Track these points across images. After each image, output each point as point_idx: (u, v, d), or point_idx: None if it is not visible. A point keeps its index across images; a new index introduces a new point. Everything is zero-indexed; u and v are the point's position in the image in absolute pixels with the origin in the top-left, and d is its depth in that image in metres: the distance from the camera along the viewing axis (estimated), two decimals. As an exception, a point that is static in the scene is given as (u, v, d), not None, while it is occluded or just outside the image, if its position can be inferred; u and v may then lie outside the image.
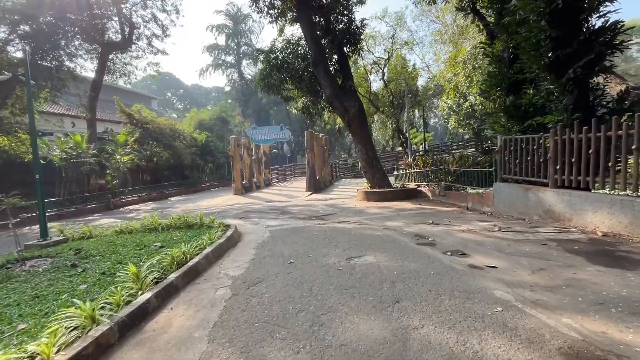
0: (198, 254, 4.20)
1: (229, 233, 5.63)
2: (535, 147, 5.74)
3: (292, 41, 11.76)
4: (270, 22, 11.53)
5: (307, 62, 11.50)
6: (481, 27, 11.50)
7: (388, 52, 21.09)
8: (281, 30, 12.03)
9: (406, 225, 5.84)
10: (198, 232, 5.85)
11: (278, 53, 11.65)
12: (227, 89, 37.80)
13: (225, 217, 8.74)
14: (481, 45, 8.94)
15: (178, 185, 21.55)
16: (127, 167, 17.70)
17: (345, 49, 11.87)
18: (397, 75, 21.26)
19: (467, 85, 17.65)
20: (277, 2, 11.45)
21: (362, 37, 12.16)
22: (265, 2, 11.31)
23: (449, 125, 30.39)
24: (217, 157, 26.18)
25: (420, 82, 25.55)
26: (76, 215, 12.66)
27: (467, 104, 26.09)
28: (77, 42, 19.50)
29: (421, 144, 25.43)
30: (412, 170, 11.44)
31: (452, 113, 29.59)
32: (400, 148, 25.55)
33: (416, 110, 36.11)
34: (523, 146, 5.96)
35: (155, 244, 4.96)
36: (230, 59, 37.12)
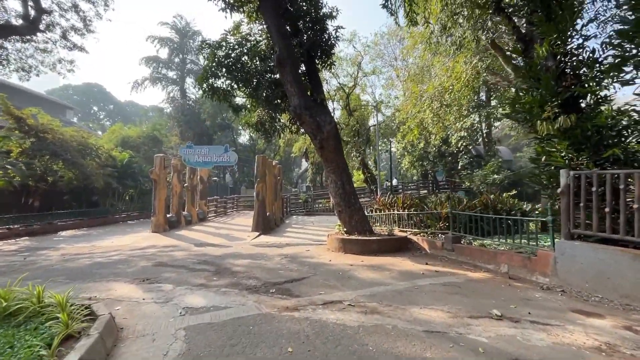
0: None
1: (82, 344, 2.32)
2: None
3: (250, 37, 9.13)
4: (223, 10, 8.84)
5: (268, 65, 8.90)
6: (481, 40, 10.37)
7: (354, 79, 19.77)
8: (237, 27, 9.38)
9: (459, 321, 3.12)
10: (13, 336, 2.42)
11: (230, 50, 8.87)
12: (168, 109, 33.33)
13: (115, 278, 5.13)
14: (511, 53, 7.33)
15: (77, 214, 16.35)
16: (-7, 186, 12.51)
17: (315, 60, 9.62)
18: (360, 105, 19.94)
19: (434, 122, 16.70)
20: (234, -13, 8.91)
21: (334, 48, 10.06)
22: (218, -15, 8.67)
23: (402, 165, 30.01)
24: (141, 182, 21.34)
25: (380, 117, 24.72)
26: None
27: (422, 144, 25.90)
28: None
29: (386, 180, 24.00)
30: (392, 212, 9.06)
31: (405, 153, 29.35)
32: (365, 184, 23.77)
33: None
34: (607, 188, 3.86)
35: None
36: (172, 74, 33.16)
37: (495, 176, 14.89)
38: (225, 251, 8.03)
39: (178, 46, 32.87)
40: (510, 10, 6.29)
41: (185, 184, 14.66)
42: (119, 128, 24.52)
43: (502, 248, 5.58)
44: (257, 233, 11.21)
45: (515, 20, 6.36)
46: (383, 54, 27.23)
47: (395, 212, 8.76)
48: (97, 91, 54.76)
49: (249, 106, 9.31)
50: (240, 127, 35.76)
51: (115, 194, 20.35)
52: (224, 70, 8.82)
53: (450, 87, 15.23)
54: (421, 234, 7.73)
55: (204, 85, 8.69)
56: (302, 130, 10.50)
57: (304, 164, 51.04)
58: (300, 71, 9.07)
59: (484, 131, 24.47)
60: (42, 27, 16.73)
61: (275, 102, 9.04)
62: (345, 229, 7.62)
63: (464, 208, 7.76)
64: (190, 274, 5.49)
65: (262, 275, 5.19)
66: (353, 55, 20.97)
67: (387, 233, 7.50)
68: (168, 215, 12.57)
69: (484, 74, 14.32)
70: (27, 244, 10.88)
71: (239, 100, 9.73)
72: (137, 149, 23.34)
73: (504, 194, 12.84)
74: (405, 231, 8.37)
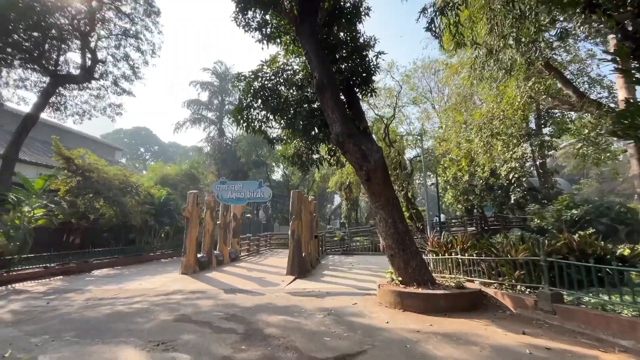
0: None
1: None
2: None
3: (287, 67, 8.70)
4: (260, 41, 8.57)
5: (305, 94, 8.31)
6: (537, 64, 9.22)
7: (393, 109, 19.00)
8: (274, 59, 9.04)
9: None
10: None
11: (266, 81, 8.44)
12: (207, 149, 34.65)
13: (127, 339, 4.16)
14: (613, 56, 6.14)
15: (113, 252, 16.22)
16: (35, 224, 12.64)
17: (355, 89, 8.95)
18: (397, 136, 18.97)
19: (484, 152, 15.17)
20: (273, 20, 8.69)
21: (374, 75, 9.35)
22: (255, 18, 8.49)
23: (445, 199, 27.90)
24: (177, 219, 21.31)
25: (418, 150, 23.40)
26: None
27: (466, 177, 23.95)
28: (19, 70, 16.10)
29: (435, 217, 22.11)
30: (451, 256, 7.56)
31: (448, 187, 27.37)
32: (409, 222, 22.02)
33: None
34: None
35: None
36: (211, 115, 34.84)
37: (574, 211, 12.72)
38: (257, 301, 6.92)
39: (218, 89, 34.81)
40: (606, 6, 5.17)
41: (218, 222, 14.08)
42: (159, 166, 25.37)
43: (635, 313, 3.96)
44: (293, 277, 10.02)
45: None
46: (417, 87, 26.63)
47: (458, 256, 7.26)
48: (145, 134, 59.20)
49: (285, 138, 8.65)
50: (274, 164, 36.03)
51: (152, 231, 20.36)
52: (259, 101, 8.34)
53: (501, 114, 13.89)
54: (497, 286, 6.15)
55: (239, 116, 8.21)
56: (343, 161, 9.61)
57: (337, 199, 49.96)
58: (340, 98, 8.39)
59: (538, 161, 22.21)
60: (96, 75, 18.11)
61: (313, 132, 8.29)
62: (400, 278, 6.25)
63: (549, 252, 6.15)
64: (214, 336, 4.41)
65: (303, 344, 3.98)
66: (390, 85, 20.49)
67: (454, 284, 6.01)
68: (199, 256, 11.85)
69: (544, 96, 12.87)
70: (58, 284, 10.53)
71: (275, 132, 9.14)
72: (174, 186, 23.76)
73: (581, 233, 10.75)
74: (472, 280, 6.80)
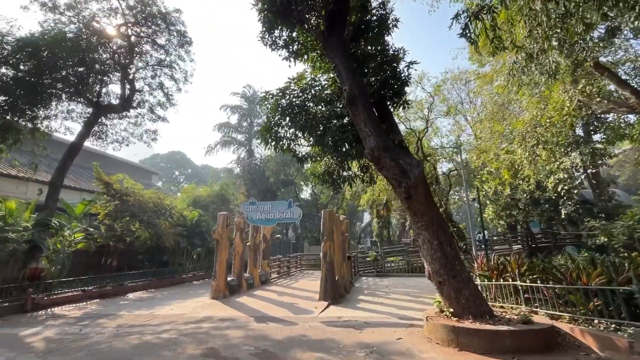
0: None
1: None
2: None
3: (314, 83, 8.44)
4: (287, 59, 8.42)
5: (335, 109, 7.95)
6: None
7: (426, 121, 18.22)
8: (301, 76, 8.85)
9: None
10: None
11: (294, 98, 8.21)
12: (237, 170, 35.38)
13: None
14: None
15: (146, 275, 16.40)
16: (75, 248, 13.06)
17: (387, 101, 8.49)
18: (430, 149, 18.06)
19: (529, 162, 13.92)
20: (299, 37, 8.56)
21: (406, 87, 8.84)
22: (282, 36, 8.40)
23: (485, 215, 26.07)
24: (208, 240, 21.47)
25: (450, 165, 22.15)
26: None
27: (507, 190, 22.23)
28: (66, 102, 17.32)
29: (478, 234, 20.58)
30: (512, 282, 6.62)
31: (488, 202, 25.61)
32: None
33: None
34: None
35: None
36: (240, 137, 35.73)
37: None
38: (289, 332, 6.36)
39: (246, 112, 35.83)
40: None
41: (248, 243, 13.83)
42: (191, 188, 26.02)
43: None
44: (326, 303, 9.37)
45: None
46: (447, 99, 25.67)
47: (517, 282, 6.32)
48: (180, 158, 62.00)
49: (314, 155, 8.28)
50: (302, 182, 35.95)
51: (184, 253, 20.59)
52: (287, 119, 8.09)
53: (547, 121, 12.73)
54: (570, 320, 5.17)
55: (267, 135, 7.99)
56: (375, 178, 9.04)
57: (366, 217, 48.67)
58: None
59: (590, 171, 20.20)
60: (134, 104, 19.12)
61: (344, 148, 7.84)
62: (451, 309, 5.44)
63: (624, 280, 5.12)
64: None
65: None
66: (420, 97, 19.83)
67: (517, 318, 5.11)
68: (229, 279, 11.54)
69: (597, 99, 11.66)
70: (94, 307, 10.60)
71: (304, 150, 8.82)
72: (206, 207, 24.14)
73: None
74: (535, 312, 5.82)
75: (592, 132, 18.96)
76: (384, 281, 15.88)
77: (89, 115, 17.60)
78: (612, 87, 13.48)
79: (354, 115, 6.62)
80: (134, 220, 17.33)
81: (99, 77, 17.48)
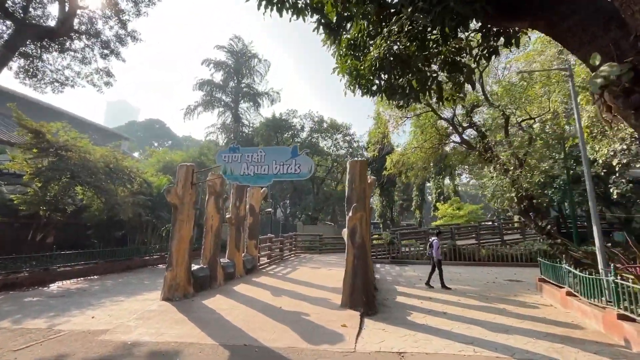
0: None
1: None
2: None
3: None
4: None
5: None
6: None
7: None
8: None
9: None
10: None
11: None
12: (221, 139, 30.43)
13: None
14: None
15: (89, 256, 12.12)
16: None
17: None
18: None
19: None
20: None
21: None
22: None
23: (493, 197, 22.59)
24: (181, 214, 17.23)
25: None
26: None
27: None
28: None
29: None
30: None
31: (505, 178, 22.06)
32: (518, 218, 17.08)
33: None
34: None
35: None
36: (226, 99, 30.65)
37: None
38: None
39: (234, 69, 30.63)
40: None
41: (228, 215, 9.68)
42: (163, 152, 21.45)
43: None
44: (356, 315, 5.44)
45: None
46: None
47: None
48: (158, 127, 56.23)
49: (362, 15, 3.80)
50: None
51: (148, 229, 16.31)
52: None
53: None
54: None
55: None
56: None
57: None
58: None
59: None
60: (77, 28, 14.19)
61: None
62: None
63: None
64: None
65: None
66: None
67: None
68: (195, 268, 7.44)
69: None
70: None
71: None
72: (180, 175, 19.73)
73: None
74: None
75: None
76: (407, 271, 12.10)
77: (10, 34, 12.67)
78: None
79: None
80: (75, 183, 12.83)
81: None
